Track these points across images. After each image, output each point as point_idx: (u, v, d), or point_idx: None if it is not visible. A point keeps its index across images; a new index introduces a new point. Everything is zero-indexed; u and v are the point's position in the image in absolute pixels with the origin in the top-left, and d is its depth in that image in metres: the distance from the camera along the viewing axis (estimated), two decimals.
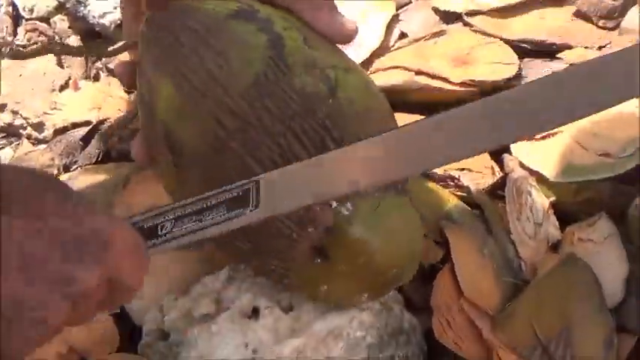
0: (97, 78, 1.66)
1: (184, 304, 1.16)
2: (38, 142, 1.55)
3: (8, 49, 1.65)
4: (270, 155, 0.97)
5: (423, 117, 1.37)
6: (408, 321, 1.15)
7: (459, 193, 1.34)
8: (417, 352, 1.15)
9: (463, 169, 1.35)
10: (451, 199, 1.32)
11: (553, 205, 1.30)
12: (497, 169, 1.37)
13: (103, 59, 1.66)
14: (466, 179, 1.32)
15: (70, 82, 1.60)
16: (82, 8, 1.65)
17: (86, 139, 1.51)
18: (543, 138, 1.38)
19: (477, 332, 1.16)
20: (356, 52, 1.51)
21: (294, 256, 1.02)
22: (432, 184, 1.34)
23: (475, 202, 1.31)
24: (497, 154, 1.39)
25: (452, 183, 1.34)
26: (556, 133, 1.37)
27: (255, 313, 1.13)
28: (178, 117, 1.03)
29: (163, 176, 1.10)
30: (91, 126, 1.52)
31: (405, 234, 1.05)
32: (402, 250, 1.03)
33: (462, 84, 1.46)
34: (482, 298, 1.18)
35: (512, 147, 1.37)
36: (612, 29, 1.54)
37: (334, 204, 0.99)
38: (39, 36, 1.68)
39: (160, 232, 0.85)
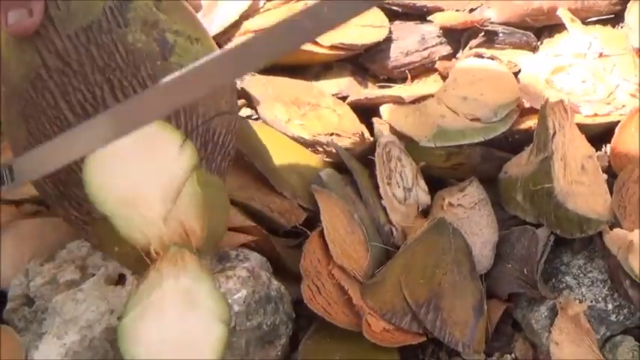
0: None
1: (50, 269, 1.13)
2: None
3: None
4: (82, 103, 0.97)
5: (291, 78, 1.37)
6: (275, 289, 1.12)
7: (328, 159, 1.31)
8: (285, 320, 1.13)
9: (332, 134, 1.32)
10: (321, 164, 1.29)
11: (423, 170, 1.29)
12: (367, 134, 1.35)
13: None
14: (335, 145, 1.29)
15: None
16: None
17: None
18: (413, 102, 1.36)
19: (346, 298, 1.14)
20: (225, 13, 1.49)
21: (89, 210, 1.01)
22: (302, 150, 1.31)
23: (345, 167, 1.28)
24: (368, 119, 1.37)
25: (321, 149, 1.31)
26: (426, 97, 1.36)
27: (121, 279, 1.10)
28: (12, 50, 1.03)
29: None
30: None
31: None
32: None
33: (331, 47, 1.44)
34: (352, 263, 1.16)
35: (382, 111, 1.35)
36: None
37: None
38: None
39: None
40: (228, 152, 1.08)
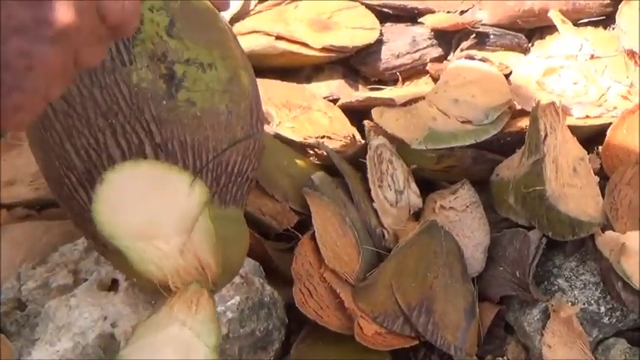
0: None
1: (42, 273, 1.13)
2: None
3: None
4: (87, 148, 0.95)
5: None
6: (268, 294, 1.12)
7: (319, 162, 1.31)
8: (279, 325, 1.13)
9: (323, 137, 1.32)
10: (312, 167, 1.28)
11: (414, 172, 1.29)
12: (358, 137, 1.35)
13: None
14: (326, 147, 1.29)
15: None
16: None
17: None
18: (404, 104, 1.36)
19: (338, 302, 1.14)
20: None
21: (104, 242, 0.98)
22: (293, 153, 1.30)
23: (337, 170, 1.27)
24: (359, 121, 1.37)
25: (312, 151, 1.31)
26: (417, 99, 1.36)
27: (114, 284, 1.10)
28: None
29: None
30: None
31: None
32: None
33: (322, 49, 1.44)
34: (344, 266, 1.16)
35: (374, 113, 1.34)
36: None
37: None
38: None
39: None
40: (246, 178, 1.04)
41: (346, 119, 1.38)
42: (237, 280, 1.08)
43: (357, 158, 1.29)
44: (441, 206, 1.26)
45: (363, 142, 1.33)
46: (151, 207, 0.94)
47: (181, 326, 0.93)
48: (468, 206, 1.26)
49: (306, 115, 1.35)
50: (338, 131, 1.34)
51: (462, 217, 1.25)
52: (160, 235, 0.95)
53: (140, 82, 0.95)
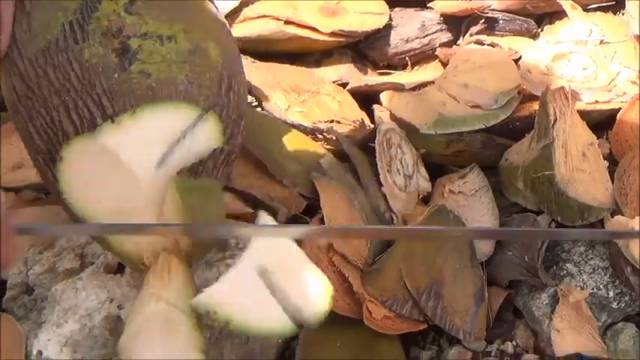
0: None
1: (49, 258, 1.13)
2: None
3: None
4: (45, 128, 0.94)
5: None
6: None
7: (328, 147, 1.31)
8: None
9: (332, 121, 1.32)
10: (321, 152, 1.28)
11: (423, 157, 1.28)
12: (367, 121, 1.34)
13: None
14: (335, 132, 1.29)
15: None
16: None
17: None
18: (413, 89, 1.36)
19: (347, 286, 1.14)
20: (225, 1, 1.47)
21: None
22: (301, 138, 1.30)
23: (345, 155, 1.27)
24: (368, 106, 1.36)
25: (320, 136, 1.31)
26: (427, 84, 1.36)
27: (120, 267, 1.10)
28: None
29: None
30: None
31: None
32: None
33: (331, 34, 1.43)
34: (353, 251, 1.16)
35: (383, 98, 1.34)
36: None
37: None
38: None
39: None
40: (220, 149, 1.02)
41: (355, 103, 1.38)
42: None
43: (366, 143, 1.29)
44: (449, 190, 1.26)
45: (371, 126, 1.33)
46: (114, 182, 0.94)
47: (157, 301, 0.92)
48: (477, 191, 1.26)
49: (315, 99, 1.35)
50: (347, 115, 1.34)
51: (471, 201, 1.25)
52: (132, 210, 0.95)
53: (91, 57, 0.94)
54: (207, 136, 0.98)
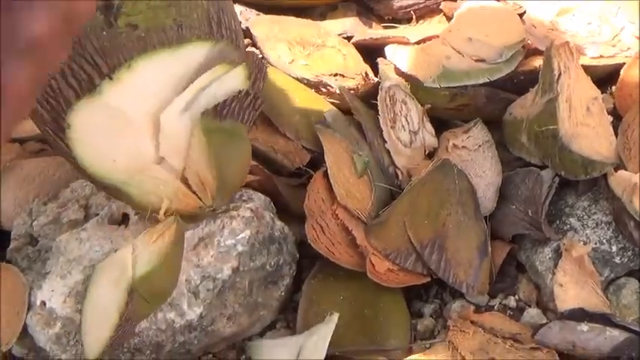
0: None
1: (53, 209, 1.13)
2: None
3: None
4: (47, 98, 0.95)
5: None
6: (279, 229, 1.12)
7: (331, 100, 1.30)
8: (289, 261, 1.13)
9: (336, 75, 1.31)
10: (325, 105, 1.28)
11: (428, 112, 1.28)
12: (371, 74, 1.34)
13: None
14: (339, 85, 1.28)
15: None
16: None
17: None
18: (418, 43, 1.35)
19: (350, 238, 1.14)
20: None
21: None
22: (306, 91, 1.30)
23: (349, 108, 1.27)
24: (372, 59, 1.36)
25: (324, 90, 1.30)
26: (431, 38, 1.35)
27: (125, 219, 1.10)
28: None
29: None
30: None
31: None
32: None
33: None
34: (356, 203, 1.16)
35: (387, 51, 1.34)
36: None
37: None
38: None
39: None
40: (245, 91, 1.03)
41: (360, 57, 1.37)
42: (247, 214, 1.08)
43: (371, 98, 1.28)
44: (453, 145, 1.26)
45: (376, 80, 1.33)
46: (125, 138, 0.95)
47: (131, 250, 0.94)
48: (480, 145, 1.26)
49: (320, 52, 1.35)
50: (352, 68, 1.34)
51: (475, 156, 1.25)
52: (153, 162, 0.96)
53: None
54: (229, 79, 0.98)
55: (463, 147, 1.26)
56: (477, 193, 1.21)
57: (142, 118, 0.95)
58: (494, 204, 1.21)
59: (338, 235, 1.14)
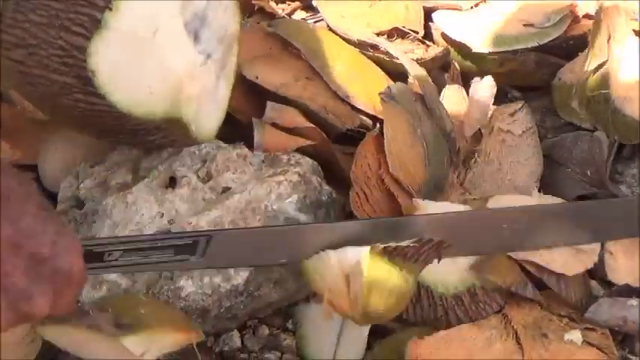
0: None
1: (100, 172, 1.12)
2: None
3: None
4: (59, 63, 0.94)
5: None
6: (327, 194, 1.11)
7: (387, 58, 1.31)
8: None
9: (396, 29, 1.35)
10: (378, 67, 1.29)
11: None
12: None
13: None
14: (399, 54, 1.28)
15: None
16: None
17: None
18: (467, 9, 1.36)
19: (394, 207, 1.12)
20: None
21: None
22: (362, 57, 1.30)
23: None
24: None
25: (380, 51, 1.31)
26: (479, 4, 1.35)
27: (172, 182, 1.09)
28: None
29: None
30: None
31: None
32: None
33: None
34: (408, 177, 1.13)
35: (435, 17, 1.34)
36: None
37: None
38: None
39: (105, 258, 0.92)
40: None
41: (421, 8, 1.39)
42: (295, 178, 1.07)
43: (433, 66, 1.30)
44: (499, 128, 1.24)
45: (430, 44, 1.35)
46: (152, 62, 0.97)
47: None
48: (524, 132, 1.23)
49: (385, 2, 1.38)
50: (412, 21, 1.37)
51: (519, 142, 1.23)
52: (187, 83, 1.00)
53: None
54: None
55: (508, 131, 1.23)
56: (517, 182, 1.19)
57: (158, 31, 0.96)
58: (540, 170, 1.20)
59: (381, 203, 1.12)
